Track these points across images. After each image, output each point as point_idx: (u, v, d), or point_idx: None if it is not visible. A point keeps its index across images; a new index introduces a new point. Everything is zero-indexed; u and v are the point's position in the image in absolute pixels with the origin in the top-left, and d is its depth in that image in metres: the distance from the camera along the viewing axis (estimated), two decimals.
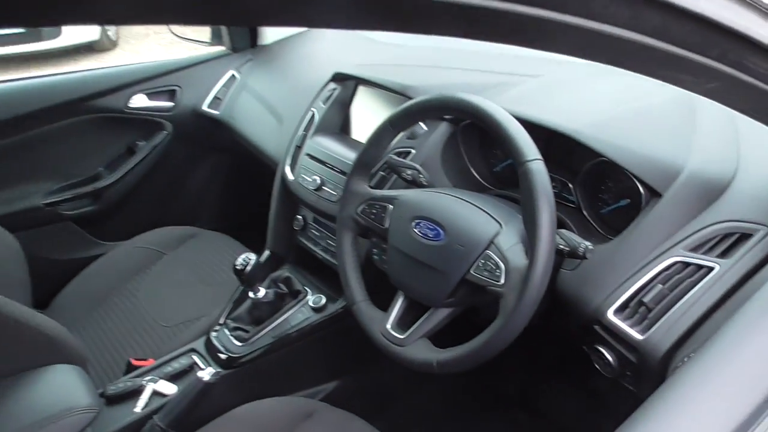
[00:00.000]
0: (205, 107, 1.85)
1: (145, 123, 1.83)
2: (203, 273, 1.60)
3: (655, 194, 0.94)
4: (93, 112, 1.75)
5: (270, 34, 1.97)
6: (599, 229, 1.06)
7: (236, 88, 1.85)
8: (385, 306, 1.04)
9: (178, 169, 1.94)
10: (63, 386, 1.01)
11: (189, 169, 1.98)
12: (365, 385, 1.46)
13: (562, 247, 0.88)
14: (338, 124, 1.47)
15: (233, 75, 1.89)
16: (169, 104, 1.84)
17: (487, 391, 1.68)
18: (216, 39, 1.97)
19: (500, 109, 0.90)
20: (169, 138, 1.86)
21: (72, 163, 1.77)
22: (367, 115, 1.44)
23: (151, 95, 1.81)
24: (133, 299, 1.53)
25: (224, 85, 1.87)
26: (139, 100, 1.80)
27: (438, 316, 0.97)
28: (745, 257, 0.85)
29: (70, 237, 1.78)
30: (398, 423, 1.50)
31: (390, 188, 1.21)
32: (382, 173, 1.24)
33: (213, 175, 2.03)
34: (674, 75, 0.57)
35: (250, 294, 1.30)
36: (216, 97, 1.86)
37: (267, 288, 1.34)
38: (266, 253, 1.49)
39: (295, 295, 1.38)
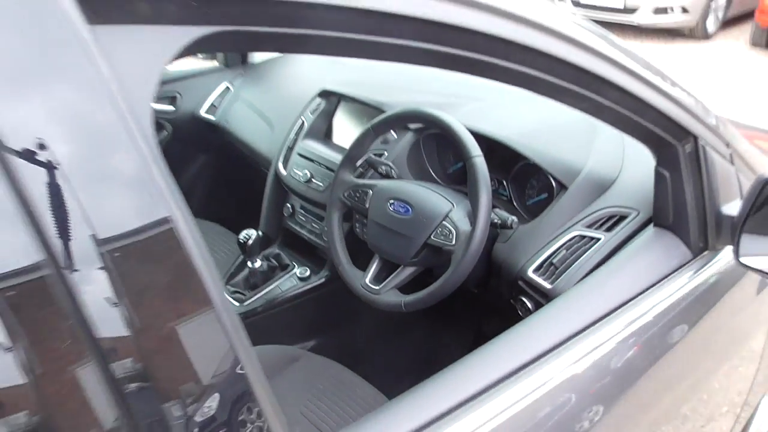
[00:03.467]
0: (202, 112, 2.15)
1: None
2: None
3: (563, 187, 1.30)
4: None
5: (257, 54, 2.29)
6: (524, 215, 1.42)
7: (230, 98, 2.15)
8: (363, 267, 1.37)
9: (173, 164, 2.21)
10: None
11: (182, 166, 2.26)
12: (341, 342, 1.76)
13: (496, 220, 1.23)
14: (323, 131, 1.79)
15: (227, 86, 2.19)
16: (170, 108, 2.13)
17: (441, 346, 2.01)
18: (211, 55, 2.28)
19: (454, 119, 1.25)
20: (168, 137, 2.14)
21: None
22: (347, 124, 1.77)
23: (155, 99, 2.09)
24: None
25: (219, 95, 2.18)
26: None
27: (405, 272, 1.30)
28: (620, 232, 1.21)
29: None
30: (370, 370, 1.81)
31: (369, 179, 1.54)
32: (361, 169, 1.57)
33: (202, 170, 2.31)
34: (561, 98, 0.93)
35: (249, 264, 1.60)
36: (212, 105, 2.15)
37: (261, 260, 1.64)
38: (259, 233, 1.79)
39: (285, 267, 1.69)
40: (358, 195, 1.38)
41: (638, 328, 0.97)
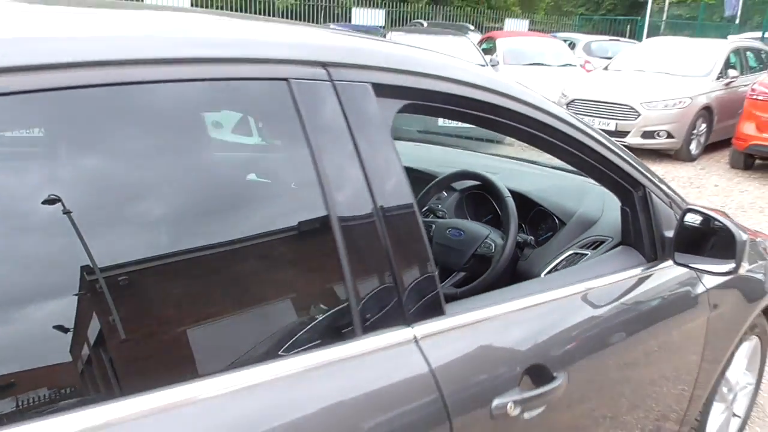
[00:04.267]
0: None
1: None
2: None
3: (562, 223, 1.97)
4: None
5: None
6: (537, 247, 2.07)
7: None
8: None
9: None
10: None
11: None
12: None
13: (520, 240, 1.89)
14: None
15: None
16: None
17: None
18: None
19: (492, 175, 1.94)
20: None
21: None
22: None
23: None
24: None
25: None
26: None
27: (458, 276, 1.94)
28: (600, 250, 1.86)
29: None
30: None
31: (430, 219, 2.22)
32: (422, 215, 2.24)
33: None
34: (551, 150, 1.61)
35: None
36: None
37: None
38: None
39: None
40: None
41: (597, 293, 1.58)
